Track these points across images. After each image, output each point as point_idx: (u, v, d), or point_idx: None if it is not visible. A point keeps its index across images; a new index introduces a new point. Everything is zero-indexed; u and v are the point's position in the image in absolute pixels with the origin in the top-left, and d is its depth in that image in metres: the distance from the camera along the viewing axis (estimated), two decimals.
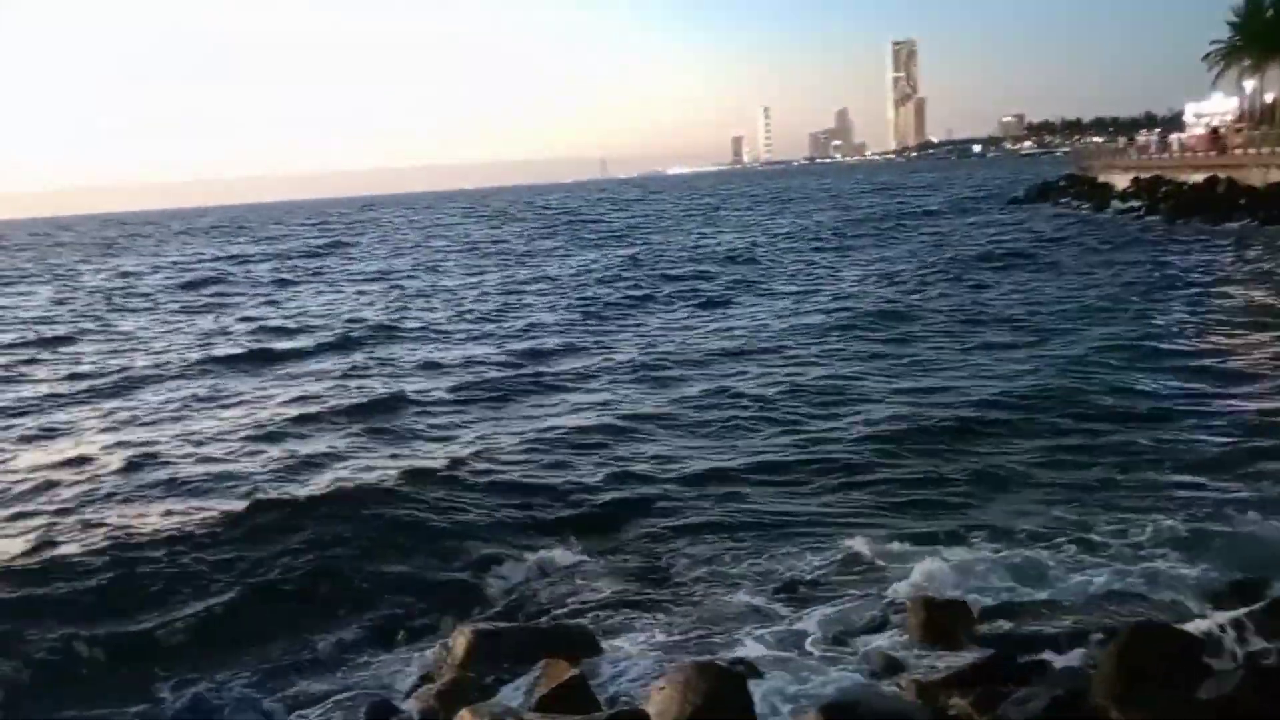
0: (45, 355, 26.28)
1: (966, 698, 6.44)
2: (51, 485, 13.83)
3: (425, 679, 7.97)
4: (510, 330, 26.83)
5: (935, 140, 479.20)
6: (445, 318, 29.84)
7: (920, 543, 10.34)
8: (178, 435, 16.32)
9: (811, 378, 18.56)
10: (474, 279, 42.21)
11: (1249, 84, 64.32)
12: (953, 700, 6.51)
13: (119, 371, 23.05)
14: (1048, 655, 7.38)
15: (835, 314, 25.48)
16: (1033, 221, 54.34)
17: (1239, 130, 61.67)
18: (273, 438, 15.91)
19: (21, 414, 18.85)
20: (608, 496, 12.49)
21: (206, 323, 31.68)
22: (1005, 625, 8.06)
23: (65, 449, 15.92)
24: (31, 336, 30.27)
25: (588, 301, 31.79)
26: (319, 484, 13.31)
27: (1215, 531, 9.92)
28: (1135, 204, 53.52)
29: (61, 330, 31.47)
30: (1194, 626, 7.24)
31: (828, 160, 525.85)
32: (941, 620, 7.86)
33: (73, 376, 22.65)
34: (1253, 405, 14.48)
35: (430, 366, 21.86)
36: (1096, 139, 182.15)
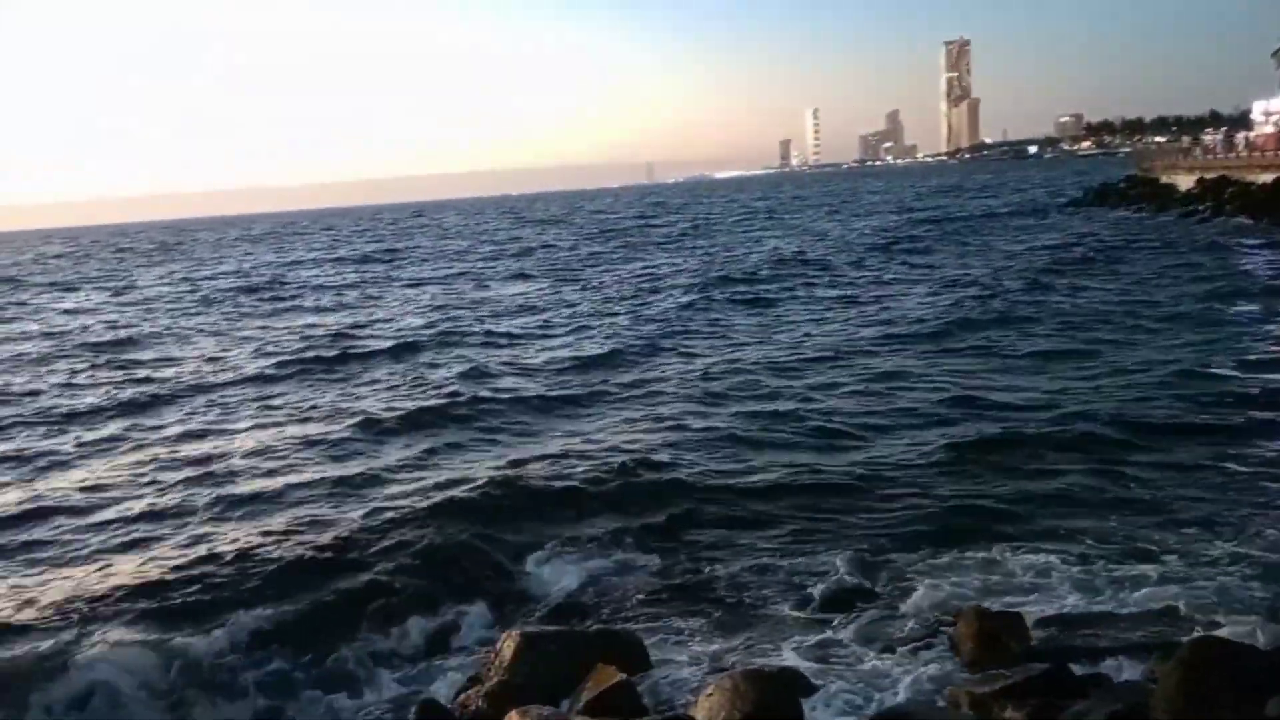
0: (122, 360, 26.56)
1: (1021, 711, 6.31)
2: (148, 490, 14.05)
3: (474, 680, 8.00)
4: (579, 335, 26.47)
5: (989, 141, 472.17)
6: (511, 324, 29.52)
7: (973, 553, 10.16)
8: (240, 445, 16.38)
9: (871, 385, 18.30)
10: (535, 284, 41.93)
11: None
12: (1006, 713, 6.37)
13: (193, 374, 23.39)
14: (1105, 669, 7.22)
15: (901, 325, 24.67)
16: (1093, 225, 53.09)
17: None
18: (336, 445, 15.98)
19: (95, 420, 19.02)
20: (659, 505, 12.40)
21: (274, 329, 31.77)
22: (1061, 637, 7.90)
23: (149, 455, 16.03)
24: (103, 340, 30.80)
25: (655, 310, 30.79)
26: (377, 495, 13.42)
27: None
28: (1200, 206, 52.13)
29: (133, 335, 31.89)
30: (1261, 643, 7.02)
31: (878, 163, 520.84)
32: (994, 631, 7.71)
33: (149, 380, 22.88)
34: None
35: (491, 374, 21.61)
36: (1158, 139, 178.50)
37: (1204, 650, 6.26)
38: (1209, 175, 57.80)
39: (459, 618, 9.62)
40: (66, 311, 41.94)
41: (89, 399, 21.20)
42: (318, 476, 14.39)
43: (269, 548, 11.42)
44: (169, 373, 24.01)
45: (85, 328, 35.02)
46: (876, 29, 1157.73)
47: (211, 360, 25.70)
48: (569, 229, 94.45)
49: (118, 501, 13.67)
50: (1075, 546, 10.16)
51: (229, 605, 9.83)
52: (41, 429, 18.59)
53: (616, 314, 30.51)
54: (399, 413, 17.76)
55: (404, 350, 25.21)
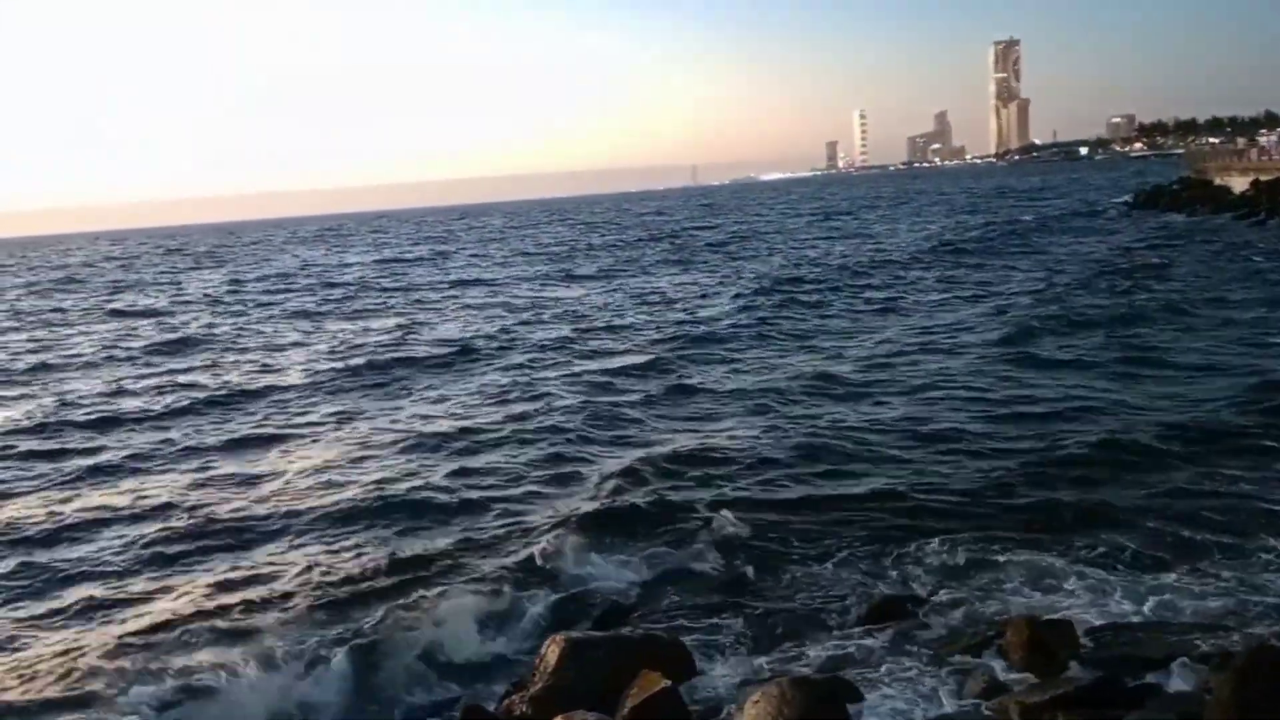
0: (193, 363, 26.88)
1: None
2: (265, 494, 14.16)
3: (518, 685, 8.06)
4: (648, 340, 26.03)
5: (1039, 142, 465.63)
6: (570, 330, 29.12)
7: (1022, 561, 10.03)
8: (309, 453, 16.34)
9: (929, 393, 18.08)
10: (595, 287, 41.51)
11: None
12: None
13: (274, 375, 23.75)
14: (1158, 679, 7.10)
15: (964, 332, 24.22)
16: (1143, 229, 51.99)
17: None
18: (401, 451, 16.04)
19: (165, 424, 19.16)
20: (709, 509, 12.33)
21: (336, 333, 31.77)
22: (1112, 647, 7.76)
23: (234, 461, 16.11)
24: (170, 341, 31.31)
25: (729, 313, 30.05)
26: (408, 493, 13.65)
27: None
28: (1255, 209, 50.93)
29: (200, 335, 32.36)
30: None
31: (926, 164, 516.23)
32: (1044, 640, 7.61)
33: (227, 385, 22.95)
34: None
35: (564, 379, 21.38)
36: (1212, 140, 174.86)
37: (1260, 659, 6.14)
38: (1265, 177, 56.62)
39: (501, 621, 9.66)
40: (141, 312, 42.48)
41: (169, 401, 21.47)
42: (358, 479, 14.58)
43: (337, 550, 11.65)
44: (252, 376, 24.05)
45: (181, 328, 35.51)
46: (924, 30, 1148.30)
47: (291, 364, 25.82)
48: (624, 229, 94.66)
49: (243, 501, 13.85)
50: (1126, 555, 10.00)
51: (285, 610, 9.95)
52: (130, 429, 18.81)
53: (689, 317, 30.04)
54: (480, 421, 17.69)
55: (474, 356, 25.05)
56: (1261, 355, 18.78)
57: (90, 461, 16.30)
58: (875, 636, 8.51)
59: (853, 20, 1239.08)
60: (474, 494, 13.54)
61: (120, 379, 24.64)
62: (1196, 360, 18.97)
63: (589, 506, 12.63)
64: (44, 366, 27.58)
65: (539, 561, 10.88)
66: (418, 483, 14.12)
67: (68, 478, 15.45)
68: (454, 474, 14.43)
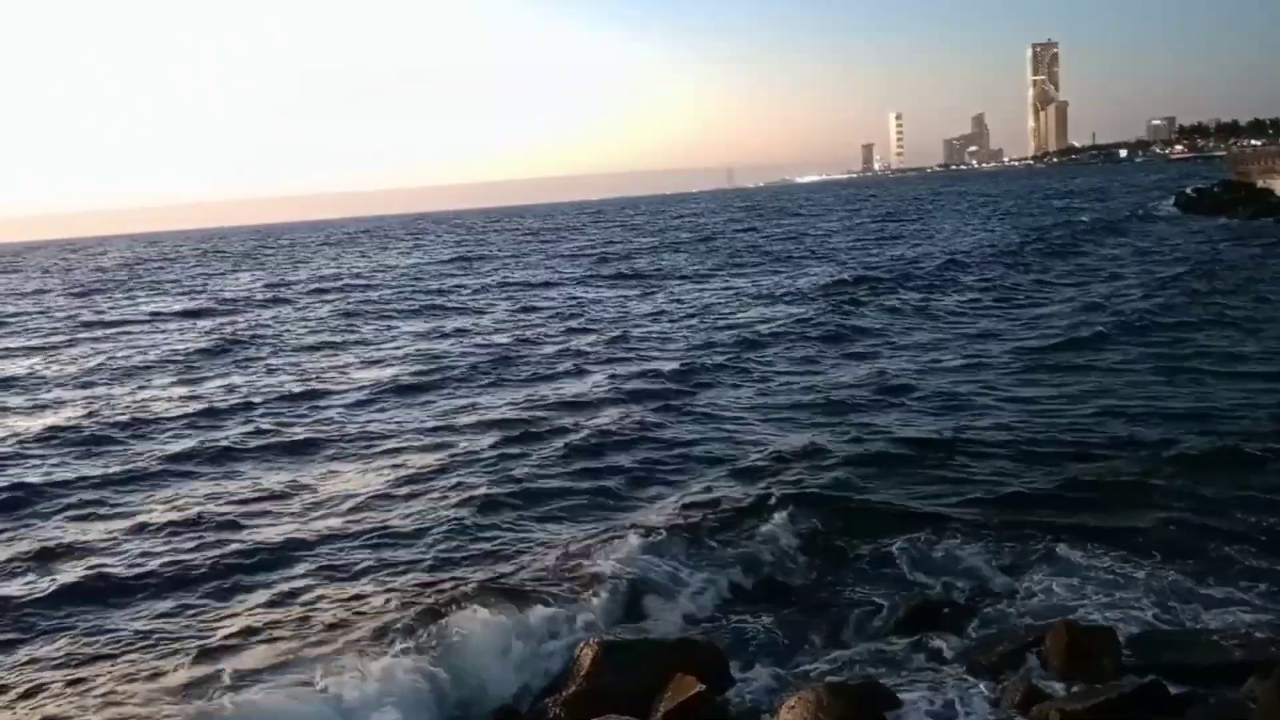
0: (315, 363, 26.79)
1: None
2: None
3: (551, 688, 8.05)
4: (727, 341, 25.35)
5: (1077, 145, 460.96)
6: (615, 336, 28.17)
7: (1064, 565, 9.89)
8: (361, 463, 16.03)
9: (983, 397, 17.82)
10: (648, 292, 40.35)
11: None
12: None
13: (323, 381, 23.47)
14: (1202, 688, 6.97)
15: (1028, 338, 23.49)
16: (1175, 232, 51.07)
17: None
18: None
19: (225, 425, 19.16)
20: (755, 518, 12.14)
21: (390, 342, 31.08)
22: (1154, 654, 7.63)
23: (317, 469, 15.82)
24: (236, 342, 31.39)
25: (808, 317, 28.73)
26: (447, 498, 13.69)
27: None
28: None
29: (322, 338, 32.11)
30: None
31: (963, 167, 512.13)
32: (1086, 647, 7.49)
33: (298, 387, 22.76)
34: None
35: (620, 381, 21.08)
36: (1255, 142, 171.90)
37: None
38: None
39: (534, 623, 9.58)
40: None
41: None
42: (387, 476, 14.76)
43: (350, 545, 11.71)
44: (327, 379, 23.90)
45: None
46: (961, 33, 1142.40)
47: (344, 367, 25.76)
48: (666, 231, 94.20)
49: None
50: (1172, 562, 9.80)
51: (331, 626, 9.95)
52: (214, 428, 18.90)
53: (773, 318, 29.39)
54: (539, 425, 17.48)
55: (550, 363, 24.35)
56: None
57: (132, 466, 16.23)
58: (913, 641, 8.41)
59: (889, 23, 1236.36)
60: (528, 498, 13.41)
61: (187, 382, 24.70)
62: (1243, 370, 18.55)
63: (645, 513, 12.58)
64: (101, 370, 27.44)
65: (568, 559, 10.86)
66: (469, 487, 14.05)
67: (133, 486, 15.18)
68: (506, 479, 14.21)
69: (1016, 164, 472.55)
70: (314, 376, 24.42)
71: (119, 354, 30.43)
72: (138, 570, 11.52)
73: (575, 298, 40.25)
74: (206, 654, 9.10)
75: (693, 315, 32.10)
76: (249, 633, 9.56)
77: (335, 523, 12.87)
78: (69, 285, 69.12)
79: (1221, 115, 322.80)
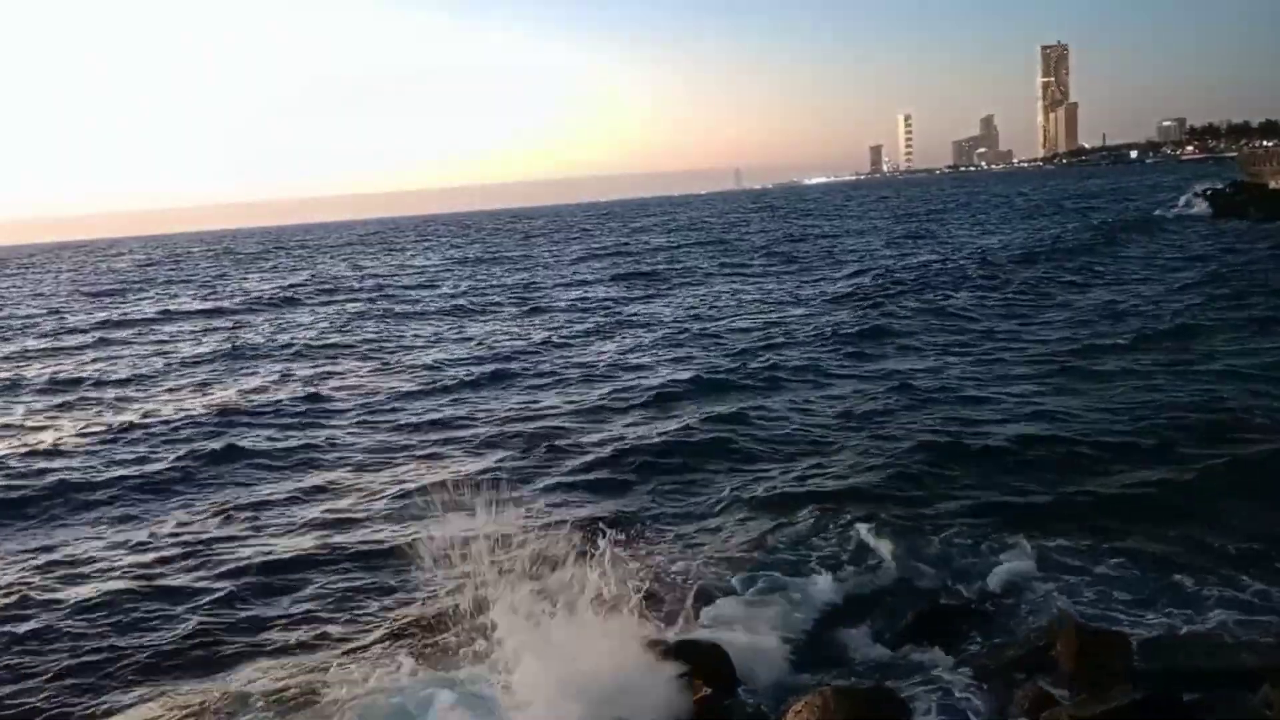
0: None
1: None
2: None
3: None
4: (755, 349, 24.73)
5: (1088, 146, 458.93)
6: (671, 333, 28.35)
7: (1074, 570, 9.84)
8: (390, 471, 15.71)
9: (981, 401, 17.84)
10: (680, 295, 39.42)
11: None
12: None
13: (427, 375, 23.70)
14: (1214, 694, 6.90)
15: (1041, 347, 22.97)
16: (1187, 236, 50.51)
17: None
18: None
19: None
20: (754, 514, 12.33)
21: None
22: (1167, 660, 7.58)
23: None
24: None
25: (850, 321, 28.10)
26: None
27: None
28: None
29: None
30: None
31: (972, 168, 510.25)
32: (1097, 653, 7.43)
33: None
34: None
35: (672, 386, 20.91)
36: (1267, 143, 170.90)
37: None
38: None
39: None
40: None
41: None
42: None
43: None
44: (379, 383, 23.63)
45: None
46: (970, 34, 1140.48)
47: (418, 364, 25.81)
48: (680, 230, 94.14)
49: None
50: (1183, 567, 9.74)
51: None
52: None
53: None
54: (594, 431, 17.32)
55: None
56: None
57: (171, 470, 16.23)
58: (923, 645, 8.36)
59: (897, 25, 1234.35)
60: (570, 503, 13.34)
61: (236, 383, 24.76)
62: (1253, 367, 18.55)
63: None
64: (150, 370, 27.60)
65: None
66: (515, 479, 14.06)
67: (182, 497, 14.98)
68: (557, 488, 14.03)
69: (1026, 165, 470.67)
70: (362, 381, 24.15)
71: (148, 356, 30.46)
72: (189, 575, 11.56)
73: (610, 299, 39.51)
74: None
75: (719, 319, 31.53)
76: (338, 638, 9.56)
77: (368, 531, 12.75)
78: (117, 287, 68.07)
79: (1233, 116, 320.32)
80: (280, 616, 10.22)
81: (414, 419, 19.16)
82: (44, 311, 49.93)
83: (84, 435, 19.04)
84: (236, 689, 8.58)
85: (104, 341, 35.08)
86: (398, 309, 40.89)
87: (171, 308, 46.62)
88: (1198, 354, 20.39)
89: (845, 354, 23.41)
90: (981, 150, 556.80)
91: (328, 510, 13.65)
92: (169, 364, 28.40)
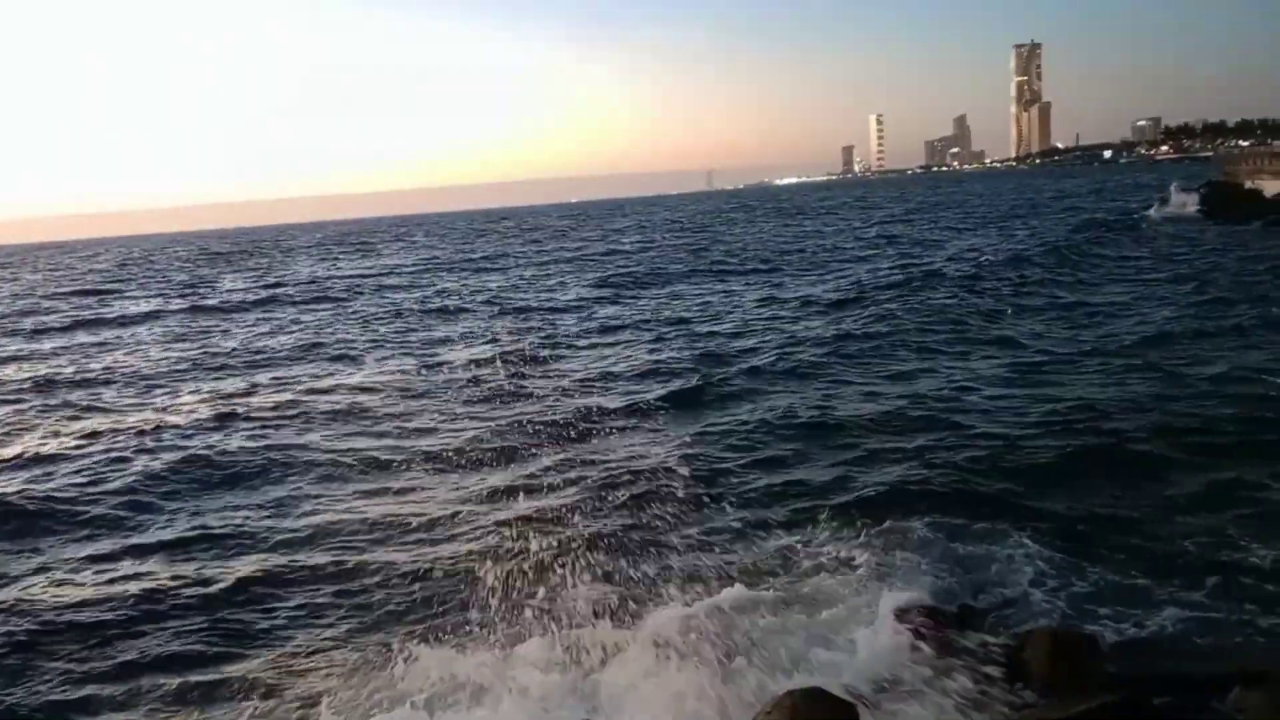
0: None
1: None
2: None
3: None
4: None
5: (1061, 146, 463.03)
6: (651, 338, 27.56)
7: (1047, 572, 9.78)
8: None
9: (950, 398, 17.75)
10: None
11: None
12: None
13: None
14: (1187, 697, 6.87)
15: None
16: (1162, 235, 50.82)
17: None
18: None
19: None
20: (712, 513, 12.22)
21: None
22: (1138, 662, 7.55)
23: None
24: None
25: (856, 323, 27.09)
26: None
27: None
28: None
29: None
30: None
31: (944, 168, 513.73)
32: (1067, 654, 7.37)
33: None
34: None
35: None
36: (1243, 143, 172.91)
37: None
38: None
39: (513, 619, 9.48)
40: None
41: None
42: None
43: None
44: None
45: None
46: (942, 34, 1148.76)
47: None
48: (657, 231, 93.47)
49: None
50: (1156, 570, 9.71)
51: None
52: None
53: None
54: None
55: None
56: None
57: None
58: (895, 645, 8.26)
59: (870, 24, 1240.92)
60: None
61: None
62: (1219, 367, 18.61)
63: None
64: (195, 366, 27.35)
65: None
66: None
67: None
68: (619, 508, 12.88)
69: (999, 165, 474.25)
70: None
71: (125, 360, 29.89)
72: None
73: (587, 302, 38.66)
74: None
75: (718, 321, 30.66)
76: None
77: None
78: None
79: (1208, 116, 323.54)
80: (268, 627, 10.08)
81: (395, 426, 18.36)
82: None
83: (58, 440, 18.68)
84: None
85: (76, 346, 34.49)
86: (371, 310, 40.39)
87: (137, 310, 45.91)
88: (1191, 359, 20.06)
89: (836, 358, 22.65)
90: (954, 150, 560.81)
91: (304, 521, 13.18)
92: (134, 370, 27.72)
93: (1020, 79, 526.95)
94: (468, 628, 9.19)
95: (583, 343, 27.85)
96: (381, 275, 61.67)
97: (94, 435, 18.83)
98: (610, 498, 12.86)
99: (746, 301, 35.49)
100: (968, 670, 7.64)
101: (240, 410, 20.32)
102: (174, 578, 11.34)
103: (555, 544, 10.92)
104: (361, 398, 21.27)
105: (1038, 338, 23.67)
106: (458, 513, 12.86)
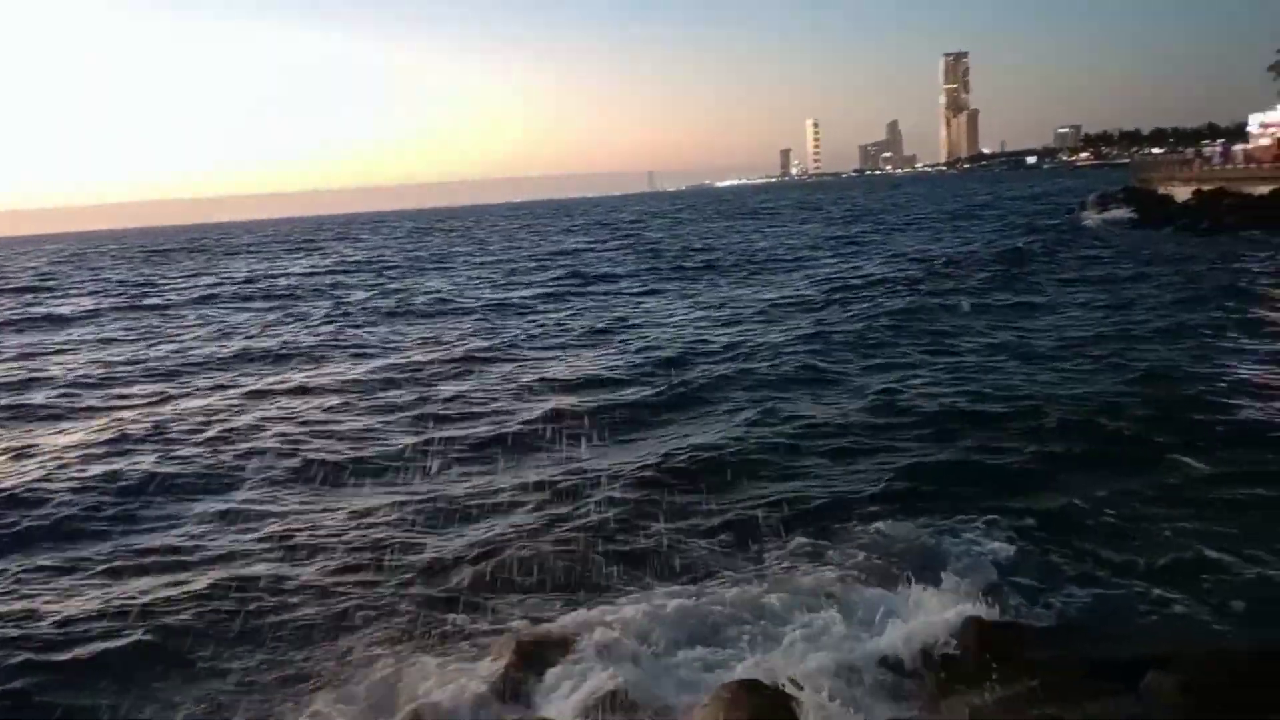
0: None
1: None
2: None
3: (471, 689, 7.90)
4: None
5: (988, 151, 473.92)
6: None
7: (972, 560, 10.09)
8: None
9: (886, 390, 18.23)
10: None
11: None
12: None
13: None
14: (1107, 680, 7.13)
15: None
16: (1087, 239, 52.28)
17: None
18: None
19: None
20: (651, 492, 12.55)
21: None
22: (1063, 648, 7.81)
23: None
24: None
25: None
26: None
27: None
28: (1195, 218, 51.84)
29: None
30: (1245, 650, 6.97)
31: (878, 172, 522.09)
32: (996, 643, 7.63)
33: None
34: None
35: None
36: (1156, 150, 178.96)
37: (1202, 662, 6.26)
38: (1206, 187, 57.84)
39: (451, 618, 9.46)
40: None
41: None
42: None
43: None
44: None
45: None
46: (876, 41, 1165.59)
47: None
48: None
49: None
50: (1083, 559, 10.05)
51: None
52: None
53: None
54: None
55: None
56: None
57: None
58: (829, 636, 8.44)
59: (807, 31, 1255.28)
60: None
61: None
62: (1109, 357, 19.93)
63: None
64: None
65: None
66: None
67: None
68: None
69: (929, 170, 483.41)
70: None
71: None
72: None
73: (533, 304, 37.81)
74: None
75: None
76: None
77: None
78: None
79: (1124, 124, 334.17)
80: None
81: (339, 433, 17.58)
82: None
83: None
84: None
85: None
86: (312, 310, 39.50)
87: (65, 312, 44.19)
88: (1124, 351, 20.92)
89: (797, 360, 22.11)
90: (887, 155, 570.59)
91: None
92: (64, 377, 26.28)
93: (949, 87, 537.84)
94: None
95: (529, 345, 27.17)
96: (323, 275, 60.38)
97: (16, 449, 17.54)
98: (559, 509, 12.55)
99: (698, 303, 35.27)
100: (901, 660, 7.87)
101: (171, 416, 19.55)
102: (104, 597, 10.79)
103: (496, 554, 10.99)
104: (301, 402, 20.55)
105: (995, 338, 24.14)
106: (374, 526, 12.43)
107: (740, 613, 9.13)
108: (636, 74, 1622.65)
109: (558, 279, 47.62)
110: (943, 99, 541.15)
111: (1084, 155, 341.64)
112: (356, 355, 27.03)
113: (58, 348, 31.96)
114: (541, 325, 31.40)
